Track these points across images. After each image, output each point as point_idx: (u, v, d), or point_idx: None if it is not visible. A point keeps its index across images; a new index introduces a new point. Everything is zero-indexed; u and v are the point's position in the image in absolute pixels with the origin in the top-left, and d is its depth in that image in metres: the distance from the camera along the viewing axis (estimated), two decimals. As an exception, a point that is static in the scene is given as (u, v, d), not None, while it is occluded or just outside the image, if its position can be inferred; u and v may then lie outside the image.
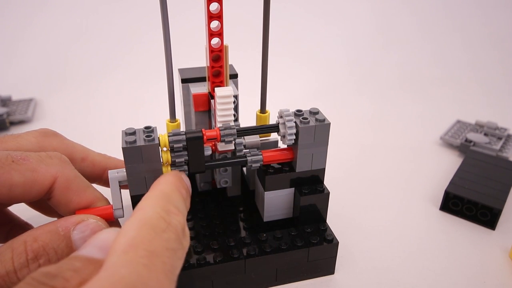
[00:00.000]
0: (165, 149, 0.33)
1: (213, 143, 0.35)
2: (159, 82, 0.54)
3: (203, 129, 0.32)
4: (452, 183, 0.46)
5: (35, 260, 0.27)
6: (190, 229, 0.39)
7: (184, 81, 0.38)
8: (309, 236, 0.36)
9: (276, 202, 0.38)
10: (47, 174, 0.30)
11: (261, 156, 0.35)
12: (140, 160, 0.32)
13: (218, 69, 0.36)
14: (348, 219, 0.44)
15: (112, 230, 0.25)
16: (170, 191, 0.27)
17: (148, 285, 0.19)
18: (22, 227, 0.36)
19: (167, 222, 0.23)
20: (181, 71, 0.40)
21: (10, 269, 0.26)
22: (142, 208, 0.24)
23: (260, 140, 0.39)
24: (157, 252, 0.21)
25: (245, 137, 0.38)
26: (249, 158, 0.35)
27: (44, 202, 0.33)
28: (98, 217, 0.31)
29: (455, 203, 0.45)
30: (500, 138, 0.57)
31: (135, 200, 0.34)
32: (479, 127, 0.61)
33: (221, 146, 0.35)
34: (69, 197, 0.31)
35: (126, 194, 0.35)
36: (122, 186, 0.34)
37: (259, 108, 0.39)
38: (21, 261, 0.27)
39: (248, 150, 0.37)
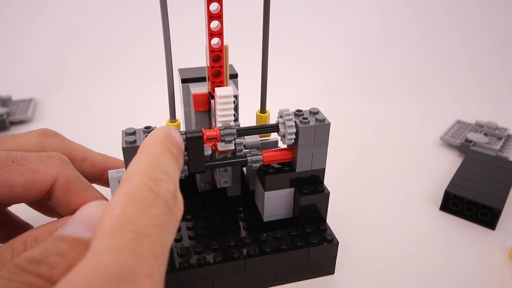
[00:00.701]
0: (165, 149, 0.33)
1: (213, 143, 0.35)
2: (159, 82, 0.54)
3: (203, 129, 0.32)
4: (452, 183, 0.46)
5: (35, 260, 0.27)
6: (190, 229, 0.39)
7: (184, 81, 0.38)
8: (309, 236, 0.36)
9: (276, 202, 0.38)
10: (47, 174, 0.30)
11: (261, 156, 0.35)
12: (140, 160, 0.32)
13: (218, 69, 0.36)
14: (348, 219, 0.44)
15: (98, 204, 0.23)
16: (158, 153, 0.24)
17: (136, 273, 0.18)
18: (22, 227, 0.36)
19: (155, 193, 0.21)
20: (181, 71, 0.40)
21: (10, 269, 0.26)
22: (128, 179, 0.22)
23: (260, 140, 0.39)
24: (145, 232, 0.19)
25: (245, 137, 0.38)
26: (249, 158, 0.35)
27: (44, 202, 0.33)
28: (98, 217, 0.31)
29: (455, 203, 0.45)
30: (500, 138, 0.57)
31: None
32: (479, 127, 0.61)
33: (221, 146, 0.35)
34: (69, 198, 0.31)
35: (126, 194, 0.35)
36: (122, 186, 0.34)
37: (259, 108, 0.39)
38: (21, 261, 0.27)
39: (248, 150, 0.37)
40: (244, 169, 0.44)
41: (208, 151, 0.34)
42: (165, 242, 0.20)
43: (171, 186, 0.22)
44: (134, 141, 0.31)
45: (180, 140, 0.27)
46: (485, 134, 0.59)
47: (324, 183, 0.38)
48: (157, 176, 0.22)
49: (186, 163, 0.33)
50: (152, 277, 0.18)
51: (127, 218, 0.19)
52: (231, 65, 0.40)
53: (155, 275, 0.19)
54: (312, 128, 0.34)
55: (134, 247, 0.19)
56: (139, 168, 0.22)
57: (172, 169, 0.24)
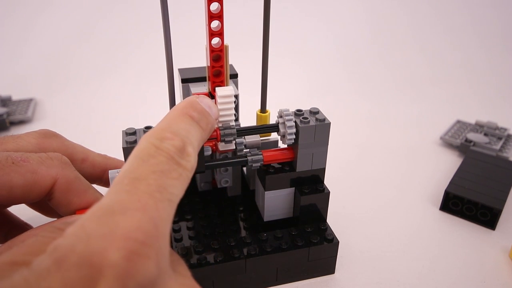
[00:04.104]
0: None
1: (214, 143, 0.35)
2: (159, 82, 0.54)
3: (203, 129, 0.32)
4: (452, 183, 0.46)
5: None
6: (190, 229, 0.39)
7: (184, 81, 0.38)
8: (310, 236, 0.36)
9: (276, 201, 0.38)
10: (47, 175, 0.30)
11: (261, 156, 0.35)
12: (141, 160, 0.32)
13: (218, 69, 0.36)
14: (348, 219, 0.44)
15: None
16: (172, 117, 0.26)
17: (127, 207, 0.20)
18: (21, 227, 0.36)
19: (157, 147, 0.23)
20: (181, 71, 0.40)
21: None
22: (138, 143, 0.24)
23: (261, 140, 0.39)
24: (142, 176, 0.22)
25: (245, 136, 0.38)
26: (249, 158, 0.35)
27: (44, 203, 0.33)
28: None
29: (455, 203, 0.45)
30: (500, 138, 0.57)
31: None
32: (479, 127, 0.61)
33: (222, 146, 0.35)
34: (70, 199, 0.31)
35: (126, 194, 0.35)
36: (122, 186, 0.34)
37: (259, 108, 0.39)
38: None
39: (248, 149, 0.37)
40: (244, 169, 0.44)
41: (208, 151, 0.34)
42: (165, 185, 0.22)
43: (176, 142, 0.24)
44: (134, 141, 0.31)
45: (208, 105, 0.28)
46: (485, 134, 0.59)
47: (324, 182, 0.38)
48: (163, 135, 0.24)
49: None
50: (144, 211, 0.20)
51: (128, 169, 0.22)
52: (231, 65, 0.40)
53: (148, 210, 0.21)
54: (312, 128, 0.34)
55: (130, 188, 0.21)
56: (149, 132, 0.24)
57: (184, 129, 0.25)
